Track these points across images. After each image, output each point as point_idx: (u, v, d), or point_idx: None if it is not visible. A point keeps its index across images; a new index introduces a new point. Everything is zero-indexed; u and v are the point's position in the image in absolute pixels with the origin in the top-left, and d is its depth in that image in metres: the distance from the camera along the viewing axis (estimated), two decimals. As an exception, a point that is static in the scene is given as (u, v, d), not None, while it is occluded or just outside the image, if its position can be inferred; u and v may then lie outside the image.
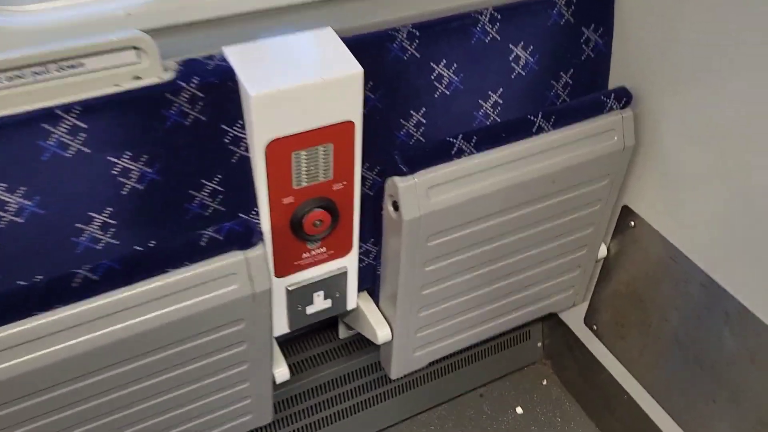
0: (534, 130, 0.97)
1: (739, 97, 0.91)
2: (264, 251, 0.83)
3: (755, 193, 0.93)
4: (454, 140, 0.92)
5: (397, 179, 0.91)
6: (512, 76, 1.02)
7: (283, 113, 0.81)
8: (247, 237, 0.81)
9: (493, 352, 1.47)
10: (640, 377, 1.26)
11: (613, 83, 1.11)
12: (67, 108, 0.74)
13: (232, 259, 0.80)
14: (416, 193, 0.91)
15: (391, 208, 0.94)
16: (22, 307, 0.73)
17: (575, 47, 1.05)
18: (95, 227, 0.81)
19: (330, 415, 1.32)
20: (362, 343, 1.33)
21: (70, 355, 0.75)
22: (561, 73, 1.06)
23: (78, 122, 0.75)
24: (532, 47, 1.02)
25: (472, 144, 0.93)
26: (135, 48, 0.77)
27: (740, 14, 0.87)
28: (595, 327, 1.34)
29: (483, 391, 1.48)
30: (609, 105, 1.01)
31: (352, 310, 1.12)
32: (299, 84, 0.80)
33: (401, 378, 1.37)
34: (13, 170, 0.74)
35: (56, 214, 0.78)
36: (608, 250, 1.24)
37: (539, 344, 1.52)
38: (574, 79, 1.08)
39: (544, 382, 1.50)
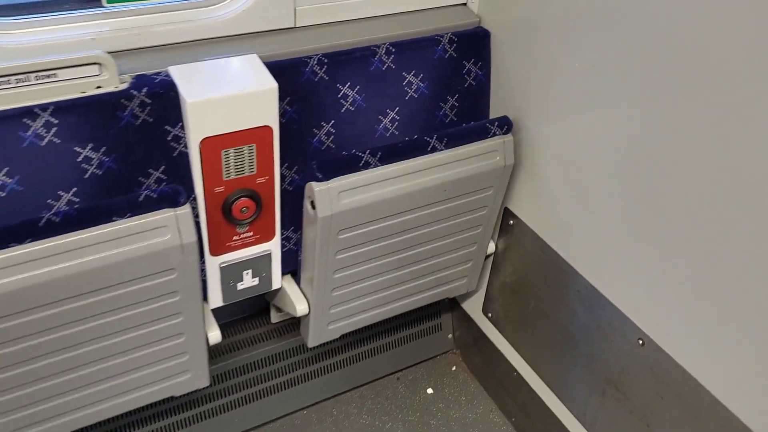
0: (429, 149, 1.21)
1: (583, 125, 1.16)
2: (189, 210, 1.04)
3: (596, 200, 1.18)
4: (362, 154, 1.16)
5: (314, 184, 1.14)
6: (406, 98, 1.27)
7: (213, 117, 1.04)
8: (176, 197, 1.02)
9: (409, 341, 1.69)
10: (525, 355, 1.49)
11: (493, 107, 1.37)
12: (44, 107, 0.97)
13: (164, 214, 1.02)
14: (329, 196, 1.15)
15: (309, 206, 1.17)
16: (2, 239, 0.93)
17: (458, 77, 1.31)
18: (63, 203, 1.02)
19: (262, 390, 1.52)
20: (291, 327, 1.54)
21: (31, 284, 0.94)
22: (447, 97, 1.32)
23: (51, 119, 0.98)
24: (422, 75, 1.27)
25: (377, 158, 1.17)
26: (98, 64, 1.00)
27: (582, 59, 1.13)
28: (490, 315, 1.58)
29: (399, 375, 1.69)
30: (493, 131, 1.26)
31: (278, 290, 1.34)
32: (226, 94, 1.03)
33: (327, 359, 1.58)
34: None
35: (31, 191, 1.00)
36: (496, 246, 1.48)
37: (450, 336, 1.75)
38: (460, 102, 1.33)
39: (454, 368, 1.72)
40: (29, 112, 0.96)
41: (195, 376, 1.25)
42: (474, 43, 1.31)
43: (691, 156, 0.98)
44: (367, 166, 1.16)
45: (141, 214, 1.01)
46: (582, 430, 1.36)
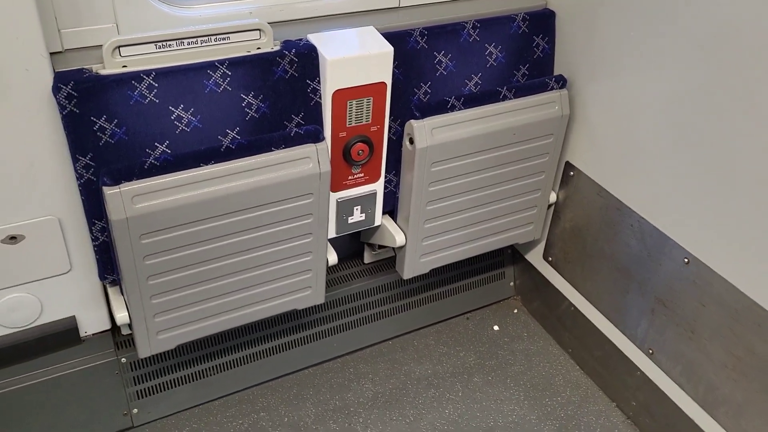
0: (501, 98, 1.49)
1: (634, 89, 1.43)
2: (327, 146, 1.32)
3: (644, 144, 1.44)
4: (449, 99, 1.44)
5: (413, 122, 1.42)
6: (487, 66, 1.55)
7: (345, 73, 1.32)
8: (317, 134, 1.30)
9: (476, 286, 1.95)
10: (582, 290, 1.74)
11: (557, 74, 1.64)
12: (221, 62, 1.26)
13: (308, 147, 1.30)
14: (425, 131, 1.42)
15: (407, 143, 1.45)
16: (196, 161, 1.21)
17: (529, 49, 1.59)
18: (229, 139, 1.31)
19: (355, 320, 1.79)
20: (381, 267, 1.81)
21: (215, 197, 1.23)
22: (520, 65, 1.59)
23: (226, 71, 1.26)
24: (500, 47, 1.55)
25: (461, 102, 1.45)
26: (259, 30, 1.29)
27: (636, 30, 1.40)
28: (550, 259, 1.83)
29: (469, 316, 1.95)
30: (551, 85, 1.54)
31: (376, 229, 1.61)
32: (356, 54, 1.31)
33: (407, 297, 1.84)
34: (187, 97, 1.25)
35: (208, 128, 1.29)
36: (557, 197, 1.74)
37: (511, 284, 2.01)
38: (529, 70, 1.61)
39: (515, 311, 1.98)
40: (212, 65, 1.25)
41: (314, 293, 1.52)
42: (542, 22, 1.58)
43: (724, 103, 1.24)
44: (453, 108, 1.44)
45: (291, 146, 1.29)
46: (634, 348, 1.61)
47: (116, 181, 1.16)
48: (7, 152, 1.19)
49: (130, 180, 1.17)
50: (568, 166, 1.68)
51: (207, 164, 1.23)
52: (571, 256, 1.76)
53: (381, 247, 1.73)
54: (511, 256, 1.98)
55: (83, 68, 1.19)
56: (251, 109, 1.32)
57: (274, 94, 1.32)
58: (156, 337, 1.38)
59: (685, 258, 1.42)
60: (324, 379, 1.74)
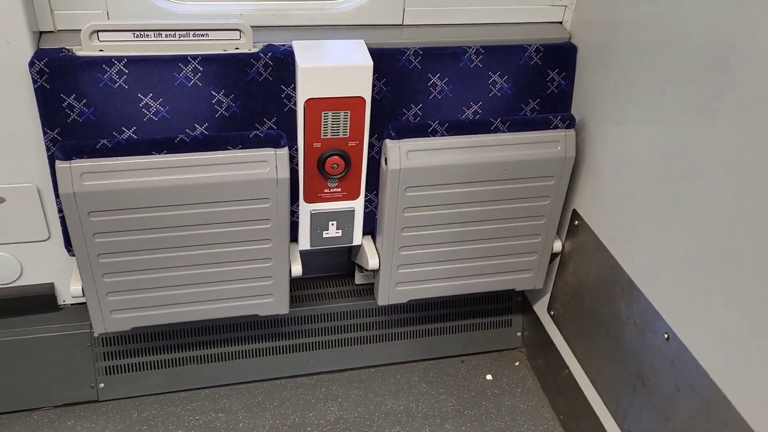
0: (491, 129, 1.40)
1: (638, 140, 1.28)
2: (286, 153, 1.30)
3: (642, 202, 1.28)
4: (432, 123, 1.37)
5: (387, 141, 1.37)
6: (489, 95, 1.46)
7: (317, 82, 1.30)
8: (278, 140, 1.29)
9: (479, 329, 1.83)
10: (576, 352, 1.58)
11: (575, 113, 1.51)
12: (194, 57, 1.28)
13: (266, 152, 1.28)
14: (399, 152, 1.36)
15: (383, 163, 1.40)
16: (149, 149, 1.24)
17: (541, 83, 1.48)
18: (197, 134, 1.33)
19: (338, 340, 1.75)
20: (372, 290, 1.75)
21: (164, 186, 1.25)
22: (529, 99, 1.49)
23: (198, 66, 1.29)
24: (506, 77, 1.46)
25: (444, 128, 1.37)
26: (239, 30, 1.30)
27: (653, 80, 1.26)
28: (552, 313, 1.69)
29: (464, 359, 1.84)
30: (555, 123, 1.42)
31: (358, 247, 1.57)
32: (329, 64, 1.29)
33: (400, 326, 1.77)
34: (157, 87, 1.28)
35: (176, 120, 1.32)
36: (563, 247, 1.60)
37: (519, 334, 1.87)
38: (541, 106, 1.50)
39: (517, 364, 1.84)
40: (184, 59, 1.28)
41: (277, 301, 1.50)
42: (560, 55, 1.47)
43: (722, 178, 1.08)
44: (434, 133, 1.36)
45: (249, 148, 1.29)
46: (615, 426, 1.43)
47: (68, 157, 1.21)
48: (-8, 118, 1.28)
49: (81, 157, 1.22)
50: (575, 214, 1.54)
51: (159, 153, 1.25)
52: (570, 312, 1.61)
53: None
54: (521, 304, 1.84)
55: (63, 48, 1.25)
56: (221, 107, 1.33)
57: (245, 95, 1.33)
58: (110, 315, 1.41)
59: (666, 333, 1.25)
60: (292, 393, 1.70)
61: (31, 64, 1.22)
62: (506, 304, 1.84)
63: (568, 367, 1.62)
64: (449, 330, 1.82)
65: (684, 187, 1.17)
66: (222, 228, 1.35)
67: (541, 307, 1.75)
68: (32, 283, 1.51)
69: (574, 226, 1.55)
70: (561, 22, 1.53)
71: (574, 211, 1.54)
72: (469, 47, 1.42)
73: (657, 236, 1.26)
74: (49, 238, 1.44)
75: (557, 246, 1.60)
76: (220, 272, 1.41)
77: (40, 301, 1.52)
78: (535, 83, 1.48)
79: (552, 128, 1.43)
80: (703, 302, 1.15)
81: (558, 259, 1.63)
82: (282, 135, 1.31)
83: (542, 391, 1.76)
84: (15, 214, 1.39)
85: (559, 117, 1.43)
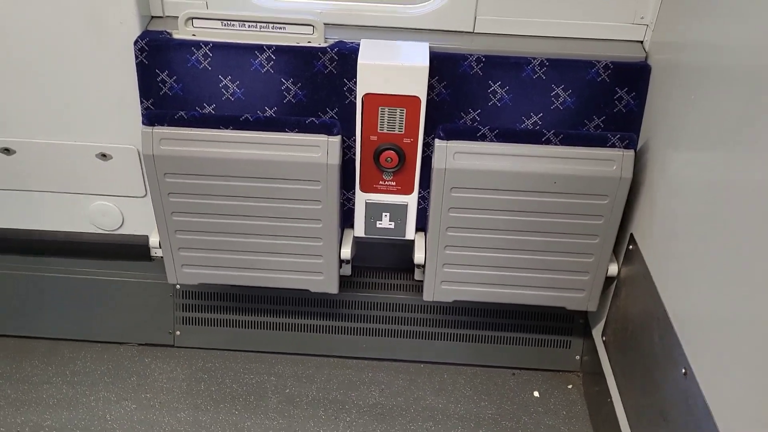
0: (543, 140, 1.40)
1: (690, 169, 1.22)
2: (339, 140, 1.40)
3: (687, 228, 1.22)
4: (482, 128, 1.40)
5: (436, 141, 1.42)
6: (551, 107, 1.47)
7: (375, 78, 1.39)
8: (331, 127, 1.40)
9: (536, 345, 1.82)
10: (619, 380, 1.53)
11: (642, 136, 1.47)
12: (269, 47, 1.43)
13: (320, 137, 1.40)
14: (446, 152, 1.42)
15: (434, 162, 1.46)
16: (218, 123, 1.40)
17: (608, 101, 1.45)
18: (260, 115, 1.48)
19: (390, 330, 1.82)
20: (430, 288, 1.81)
21: (227, 157, 1.41)
22: (594, 116, 1.47)
23: (272, 55, 1.43)
24: (570, 91, 1.45)
25: (493, 133, 1.40)
26: (312, 26, 1.43)
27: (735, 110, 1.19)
28: (604, 339, 1.63)
29: (516, 372, 1.83)
30: (612, 142, 1.39)
31: (410, 241, 1.63)
32: (387, 63, 1.38)
33: (457, 328, 1.80)
34: (235, 71, 1.45)
35: (249, 101, 1.47)
36: (619, 271, 1.55)
37: (577, 357, 1.82)
38: (606, 124, 1.47)
39: (570, 387, 1.79)
40: (260, 48, 1.43)
41: (327, 280, 1.61)
42: (632, 75, 1.44)
43: None
44: (483, 138, 1.39)
45: (305, 132, 1.41)
46: (636, 462, 1.38)
47: (151, 123, 1.41)
48: (106, 85, 1.52)
49: (162, 125, 1.41)
50: (631, 238, 1.49)
51: (226, 128, 1.41)
52: (618, 340, 1.55)
53: (427, 266, 1.74)
54: (582, 327, 1.80)
55: (164, 30, 1.46)
56: (289, 94, 1.47)
57: (311, 85, 1.45)
58: (181, 269, 1.61)
59: (684, 368, 1.18)
60: (340, 371, 1.80)
61: (135, 42, 1.43)
62: (567, 325, 1.80)
63: (610, 396, 1.57)
64: (505, 340, 1.82)
65: (741, 234, 1.07)
66: (277, 203, 1.48)
67: (597, 332, 1.70)
68: (131, 233, 1.74)
69: (629, 250, 1.50)
70: (642, 42, 1.49)
71: (631, 235, 1.49)
72: (534, 58, 1.44)
73: (699, 275, 1.19)
74: (145, 195, 1.66)
75: (613, 269, 1.55)
76: (275, 244, 1.55)
77: (136, 250, 1.75)
78: (601, 100, 1.46)
79: (609, 146, 1.40)
80: (727, 347, 1.07)
81: (614, 283, 1.58)
82: (336, 123, 1.41)
83: (589, 419, 1.70)
84: (119, 170, 1.63)
85: (618, 136, 1.40)
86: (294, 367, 1.81)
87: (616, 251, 1.55)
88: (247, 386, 1.76)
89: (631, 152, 1.40)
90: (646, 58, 1.46)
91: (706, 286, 1.16)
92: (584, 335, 1.80)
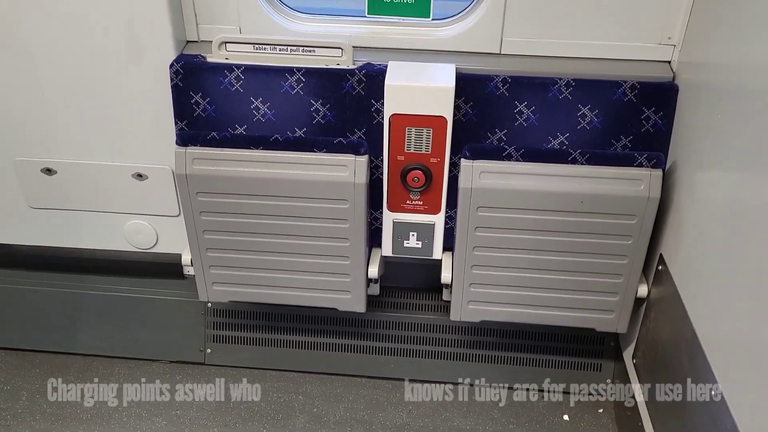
0: (569, 160, 1.40)
1: (729, 192, 1.19)
2: (366, 159, 1.42)
3: (718, 250, 1.20)
4: (508, 147, 1.41)
5: (462, 160, 1.44)
6: (578, 127, 1.47)
7: (402, 99, 1.41)
8: (358, 147, 1.42)
9: (566, 367, 1.79)
10: (649, 404, 1.50)
11: (671, 156, 1.46)
12: (299, 69, 1.47)
13: (347, 157, 1.42)
14: (472, 172, 1.43)
15: (459, 181, 1.47)
16: (248, 144, 1.44)
17: (635, 120, 1.45)
18: (290, 135, 1.51)
19: (419, 350, 1.82)
20: (458, 309, 1.80)
21: (257, 177, 1.45)
22: (621, 136, 1.47)
23: (302, 77, 1.47)
24: (597, 111, 1.45)
25: (519, 153, 1.41)
26: (341, 48, 1.46)
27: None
28: (635, 361, 1.61)
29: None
30: (639, 161, 1.39)
31: (437, 261, 1.64)
32: (413, 84, 1.40)
33: (487, 349, 1.79)
34: (266, 93, 1.49)
35: (279, 122, 1.51)
36: (649, 292, 1.53)
37: (609, 380, 1.79)
38: (633, 143, 1.47)
39: (600, 411, 1.76)
40: (290, 70, 1.47)
41: (354, 299, 1.62)
42: (660, 94, 1.43)
43: None
44: (509, 157, 1.40)
45: (333, 152, 1.44)
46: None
47: (184, 143, 1.45)
48: (143, 108, 1.57)
49: (195, 145, 1.45)
50: (661, 259, 1.48)
51: (256, 149, 1.44)
52: (648, 363, 1.53)
53: (454, 286, 1.74)
54: (613, 350, 1.77)
55: (199, 54, 1.51)
56: (318, 115, 1.50)
57: (340, 106, 1.48)
58: (212, 287, 1.64)
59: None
60: (368, 392, 1.81)
61: (171, 65, 1.48)
62: (598, 347, 1.78)
63: (641, 421, 1.54)
64: (535, 362, 1.81)
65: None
66: (306, 222, 1.51)
67: (628, 355, 1.68)
68: (164, 251, 1.79)
69: (658, 270, 1.48)
70: (669, 62, 1.49)
71: (661, 255, 1.48)
72: (560, 78, 1.45)
73: (728, 296, 1.17)
74: (179, 214, 1.71)
75: (642, 290, 1.53)
76: (303, 263, 1.57)
77: (169, 268, 1.80)
78: (628, 120, 1.46)
79: (636, 166, 1.39)
80: (758, 370, 1.05)
81: (645, 304, 1.56)
82: (363, 144, 1.44)
83: (619, 443, 1.67)
84: (154, 190, 1.68)
85: (645, 155, 1.39)
86: (322, 386, 1.82)
87: (645, 272, 1.53)
88: (275, 405, 1.77)
89: (659, 172, 1.39)
90: (674, 78, 1.45)
91: (735, 307, 1.14)
92: (615, 358, 1.78)
